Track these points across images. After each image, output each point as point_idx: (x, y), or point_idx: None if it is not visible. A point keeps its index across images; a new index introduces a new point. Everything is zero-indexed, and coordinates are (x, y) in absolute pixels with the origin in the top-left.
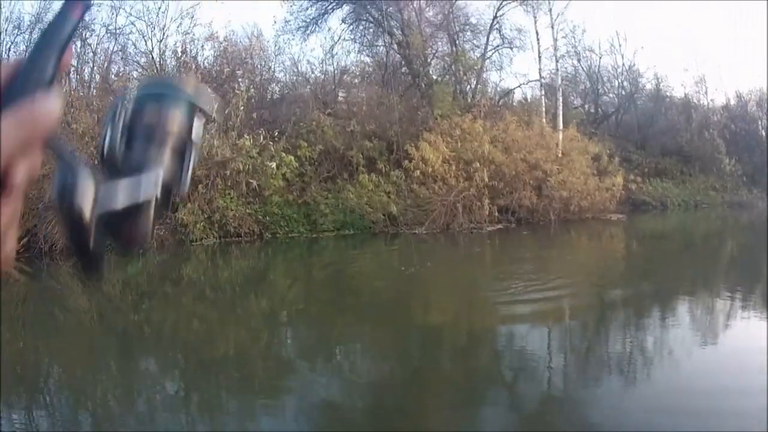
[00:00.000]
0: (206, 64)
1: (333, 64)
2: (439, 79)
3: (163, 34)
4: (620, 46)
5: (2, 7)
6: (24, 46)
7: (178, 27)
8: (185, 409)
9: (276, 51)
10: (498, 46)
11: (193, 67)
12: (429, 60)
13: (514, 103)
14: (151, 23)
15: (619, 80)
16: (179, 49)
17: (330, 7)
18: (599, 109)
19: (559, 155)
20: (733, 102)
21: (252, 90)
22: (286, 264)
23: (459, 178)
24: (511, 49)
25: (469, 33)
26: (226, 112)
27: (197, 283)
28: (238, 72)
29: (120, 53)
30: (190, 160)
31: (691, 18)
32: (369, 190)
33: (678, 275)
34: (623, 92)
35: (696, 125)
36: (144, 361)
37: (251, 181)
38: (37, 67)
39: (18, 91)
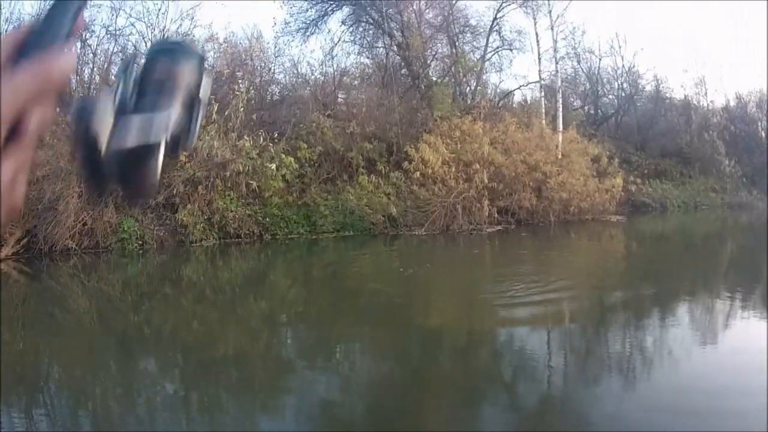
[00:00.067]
0: (206, 65)
1: (333, 65)
2: (439, 80)
3: (163, 35)
4: (620, 47)
5: (2, 7)
6: None
7: (178, 28)
8: (185, 409)
9: (276, 52)
10: (498, 47)
11: None
12: (429, 62)
13: (514, 105)
14: (151, 24)
15: (619, 82)
16: None
17: (330, 8)
18: (599, 111)
19: (559, 157)
20: (732, 103)
21: (252, 91)
22: (285, 265)
23: (459, 179)
24: (511, 50)
25: (468, 35)
26: (226, 113)
27: (197, 283)
28: (238, 73)
29: (120, 54)
30: (198, 114)
31: (691, 18)
32: (369, 192)
33: (678, 276)
34: (623, 94)
35: (696, 127)
36: (144, 362)
37: (251, 182)
38: (52, 26)
39: (34, 47)
